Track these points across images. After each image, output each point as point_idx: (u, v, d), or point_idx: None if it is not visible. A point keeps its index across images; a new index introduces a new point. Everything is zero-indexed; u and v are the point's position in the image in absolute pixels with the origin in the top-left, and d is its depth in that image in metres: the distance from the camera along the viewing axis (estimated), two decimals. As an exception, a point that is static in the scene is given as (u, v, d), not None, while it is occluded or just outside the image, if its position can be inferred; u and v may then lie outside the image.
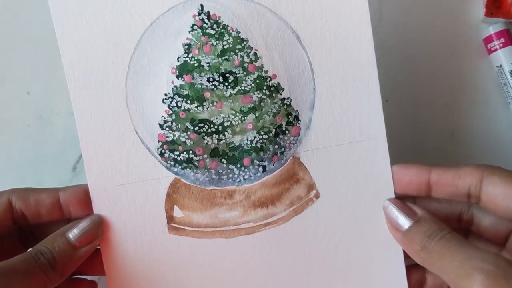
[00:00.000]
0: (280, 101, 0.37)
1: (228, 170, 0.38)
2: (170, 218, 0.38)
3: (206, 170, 0.37)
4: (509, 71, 0.46)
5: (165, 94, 0.37)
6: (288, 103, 0.37)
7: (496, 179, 0.35)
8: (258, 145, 0.37)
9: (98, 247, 0.37)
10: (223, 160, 0.37)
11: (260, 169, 0.38)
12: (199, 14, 0.36)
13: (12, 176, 0.47)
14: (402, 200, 0.38)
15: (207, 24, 0.36)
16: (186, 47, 0.36)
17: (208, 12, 0.36)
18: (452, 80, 0.48)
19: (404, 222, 0.36)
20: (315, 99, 0.37)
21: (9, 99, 0.48)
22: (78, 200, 0.37)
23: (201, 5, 0.36)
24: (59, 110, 0.48)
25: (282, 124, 0.38)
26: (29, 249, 0.34)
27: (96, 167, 0.37)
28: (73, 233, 0.35)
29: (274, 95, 0.37)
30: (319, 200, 0.38)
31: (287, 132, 0.38)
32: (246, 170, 0.38)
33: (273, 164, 0.38)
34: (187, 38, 0.36)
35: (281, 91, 0.37)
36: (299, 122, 0.38)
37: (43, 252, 0.33)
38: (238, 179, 0.38)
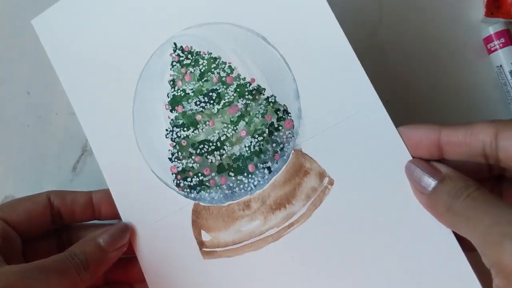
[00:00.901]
0: (264, 101, 0.38)
1: (238, 182, 0.38)
2: (201, 244, 0.39)
3: (218, 188, 0.38)
4: (509, 71, 0.45)
5: (166, 130, 0.40)
6: (273, 100, 0.38)
7: None
8: (257, 148, 0.38)
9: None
10: (230, 173, 0.38)
11: (266, 171, 0.38)
12: (174, 51, 0.40)
13: (12, 176, 0.48)
14: (424, 159, 0.34)
15: (182, 56, 0.40)
16: (172, 82, 0.40)
17: (181, 46, 0.40)
18: (452, 80, 0.47)
19: (428, 182, 0.33)
20: (298, 88, 0.37)
21: (9, 99, 0.48)
22: (109, 200, 0.40)
23: (174, 43, 0.40)
24: (59, 110, 0.49)
25: (273, 122, 0.38)
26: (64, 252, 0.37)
27: (128, 211, 0.40)
28: (104, 238, 0.38)
29: (257, 97, 0.38)
30: (335, 186, 0.36)
31: (280, 128, 0.38)
32: (253, 176, 0.38)
33: (277, 162, 0.38)
34: (170, 75, 0.40)
35: (263, 91, 0.38)
36: (289, 115, 0.38)
37: (76, 254, 0.36)
38: (249, 188, 0.38)
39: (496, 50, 0.46)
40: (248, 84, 0.38)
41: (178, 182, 0.39)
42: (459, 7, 0.48)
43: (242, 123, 0.38)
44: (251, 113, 0.38)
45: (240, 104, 0.38)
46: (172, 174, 0.40)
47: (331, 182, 0.36)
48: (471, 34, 0.48)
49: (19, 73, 0.48)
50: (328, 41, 0.37)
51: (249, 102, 0.38)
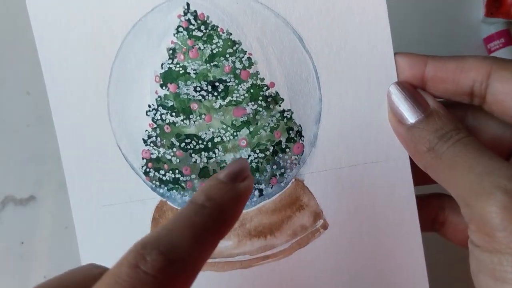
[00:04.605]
0: (279, 114, 0.32)
1: (220, 193, 0.32)
2: (157, 246, 0.33)
3: (194, 193, 0.33)
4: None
5: (149, 106, 0.32)
6: (288, 116, 0.32)
7: (507, 75, 0.28)
8: (253, 165, 0.32)
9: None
10: (213, 181, 0.32)
11: (256, 192, 0.32)
12: (185, 14, 0.31)
13: (12, 176, 0.47)
14: (413, 86, 0.30)
15: (193, 25, 0.31)
16: (171, 52, 0.32)
17: (195, 11, 0.31)
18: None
19: (412, 114, 0.29)
20: (322, 111, 0.31)
21: (9, 99, 0.48)
22: None
23: (187, 4, 0.31)
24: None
25: (281, 141, 0.32)
26: None
27: (79, 186, 0.33)
28: None
29: (271, 106, 0.32)
30: (328, 231, 0.32)
31: (287, 150, 0.32)
32: (240, 193, 0.32)
33: (272, 187, 0.32)
34: (172, 42, 0.32)
35: (280, 102, 0.32)
36: (302, 138, 0.32)
37: None
38: (231, 204, 0.33)
39: (496, 50, 0.46)
40: (265, 88, 0.31)
41: (147, 170, 0.33)
42: (459, 7, 0.48)
43: (245, 131, 0.32)
44: (259, 123, 0.32)
45: (250, 108, 0.31)
46: (143, 159, 0.33)
47: (325, 226, 0.32)
48: (471, 34, 0.48)
49: (19, 73, 0.48)
50: (376, 71, 0.31)
51: (260, 109, 0.32)
